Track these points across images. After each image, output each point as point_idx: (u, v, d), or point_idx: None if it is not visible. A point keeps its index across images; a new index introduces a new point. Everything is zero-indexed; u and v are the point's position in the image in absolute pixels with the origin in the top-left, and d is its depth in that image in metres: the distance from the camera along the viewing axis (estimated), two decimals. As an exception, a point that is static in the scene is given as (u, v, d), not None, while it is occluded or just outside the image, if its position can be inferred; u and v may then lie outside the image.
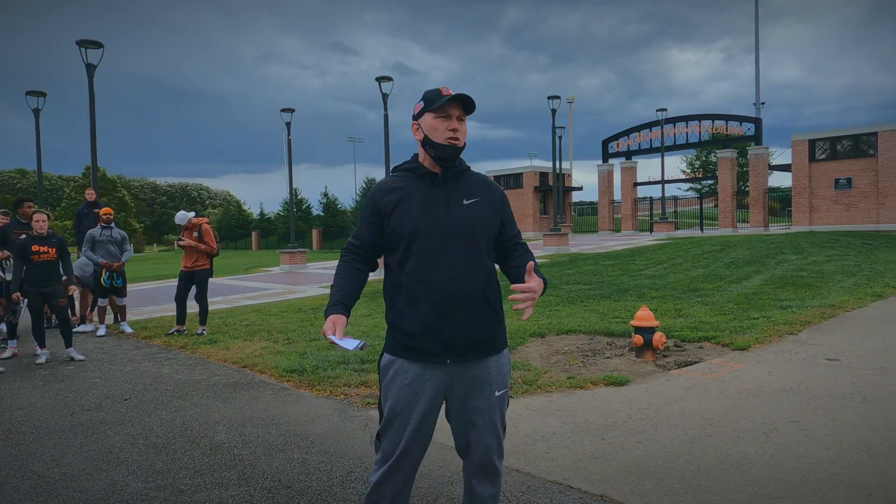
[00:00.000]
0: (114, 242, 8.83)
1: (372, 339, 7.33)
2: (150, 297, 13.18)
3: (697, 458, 3.57)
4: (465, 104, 2.30)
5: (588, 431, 4.10)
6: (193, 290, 8.64)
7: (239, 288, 15.14)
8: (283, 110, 20.20)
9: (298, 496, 3.20)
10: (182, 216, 8.68)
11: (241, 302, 12.17)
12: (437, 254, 2.24)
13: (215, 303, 11.92)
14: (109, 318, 9.45)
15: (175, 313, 8.78)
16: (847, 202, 22.37)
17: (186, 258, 8.68)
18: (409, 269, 2.25)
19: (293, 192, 20.44)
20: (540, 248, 21.93)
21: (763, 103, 33.28)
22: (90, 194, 10.23)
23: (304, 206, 60.21)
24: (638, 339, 6.10)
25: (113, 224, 8.96)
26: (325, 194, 58.48)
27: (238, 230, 63.72)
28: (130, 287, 13.11)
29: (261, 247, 55.77)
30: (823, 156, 23.15)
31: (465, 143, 2.32)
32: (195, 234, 8.65)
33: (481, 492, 2.40)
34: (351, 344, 2.11)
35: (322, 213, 58.44)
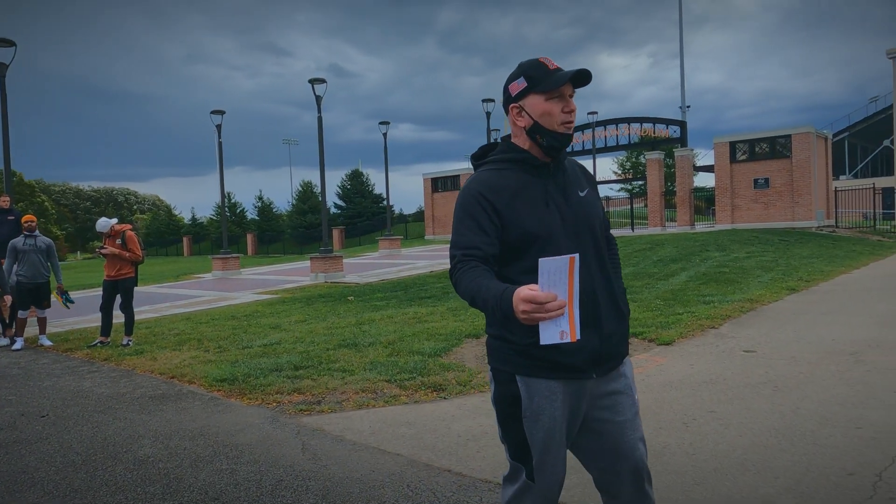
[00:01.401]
0: (38, 252, 8.39)
1: (307, 346, 7.25)
2: (73, 308, 12.56)
3: (622, 451, 3.70)
4: (581, 79, 1.91)
5: (519, 429, 4.18)
6: (118, 299, 8.32)
7: (168, 296, 14.65)
8: (213, 112, 19.69)
9: (226, 508, 3.14)
10: (104, 223, 8.35)
11: (171, 310, 11.79)
12: (581, 250, 1.90)
13: (142, 312, 11.50)
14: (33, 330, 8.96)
15: (99, 324, 8.42)
16: (765, 201, 23.58)
17: (109, 267, 8.36)
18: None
19: (225, 195, 19.92)
20: (477, 249, 22.14)
21: (688, 107, 34.76)
22: (4, 201, 9.71)
23: (238, 210, 58.76)
24: (568, 336, 6.26)
25: (37, 232, 8.52)
26: (260, 198, 57.26)
27: (168, 236, 61.61)
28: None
29: (193, 253, 54.05)
30: (743, 157, 24.34)
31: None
32: (118, 241, 8.33)
33: None
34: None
35: (257, 218, 57.18)
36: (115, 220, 8.45)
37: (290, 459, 3.79)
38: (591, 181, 2.09)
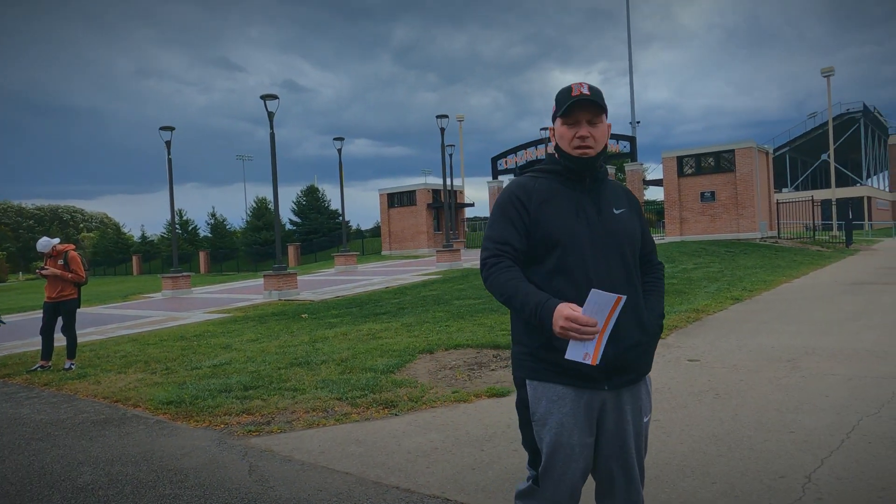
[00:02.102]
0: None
1: (258, 365, 7.14)
2: (12, 331, 12.09)
3: (568, 462, 3.77)
4: (584, 105, 2.03)
5: (468, 444, 4.21)
6: (60, 322, 8.05)
7: (114, 317, 14.22)
8: (162, 128, 19.31)
9: (167, 534, 3.08)
10: (44, 243, 8.10)
11: (117, 332, 11.44)
12: (595, 266, 2.00)
13: (87, 334, 11.14)
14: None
15: (40, 348, 8.12)
16: (712, 213, 24.36)
17: (51, 288, 8.09)
18: (561, 282, 1.98)
19: (174, 213, 19.52)
20: (433, 264, 22.21)
21: (638, 122, 35.72)
22: None
23: (190, 228, 57.53)
24: (520, 350, 6.34)
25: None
26: (213, 214, 56.21)
27: (117, 255, 59.84)
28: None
29: (143, 271, 52.59)
30: (690, 171, 25.12)
31: (602, 149, 2.09)
32: (60, 261, 8.08)
33: None
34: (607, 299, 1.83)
35: (210, 235, 56.06)
36: (56, 241, 8.20)
37: (236, 482, 3.73)
38: (632, 203, 2.19)
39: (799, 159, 61.61)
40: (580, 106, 2.04)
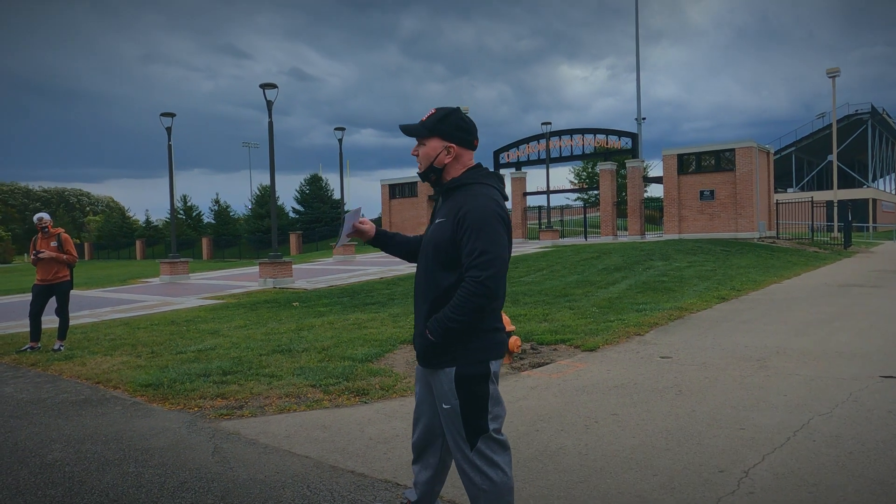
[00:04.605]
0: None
1: (241, 351, 7.27)
2: (10, 312, 12.28)
3: (520, 451, 3.88)
4: (406, 132, 2.57)
5: (429, 432, 4.32)
6: (53, 303, 8.19)
7: (111, 300, 14.40)
8: (162, 114, 19.43)
9: (123, 509, 3.21)
10: (40, 214, 8.31)
11: (111, 315, 11.61)
12: (419, 268, 2.57)
13: (81, 316, 11.31)
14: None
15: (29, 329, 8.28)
16: (711, 212, 24.36)
17: (45, 270, 8.22)
18: None
19: (178, 198, 19.67)
20: (431, 256, 22.29)
21: (644, 119, 35.58)
22: None
23: (194, 214, 57.78)
24: (495, 343, 6.45)
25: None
26: (217, 201, 56.41)
27: (121, 239, 60.18)
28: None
29: (146, 256, 52.90)
30: (690, 169, 25.10)
31: (428, 166, 2.51)
32: (53, 243, 8.22)
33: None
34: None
35: (213, 221, 56.30)
36: (45, 215, 8.36)
37: (198, 462, 3.86)
38: (457, 215, 2.38)
39: (805, 159, 61.33)
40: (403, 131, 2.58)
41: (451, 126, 2.47)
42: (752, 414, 4.42)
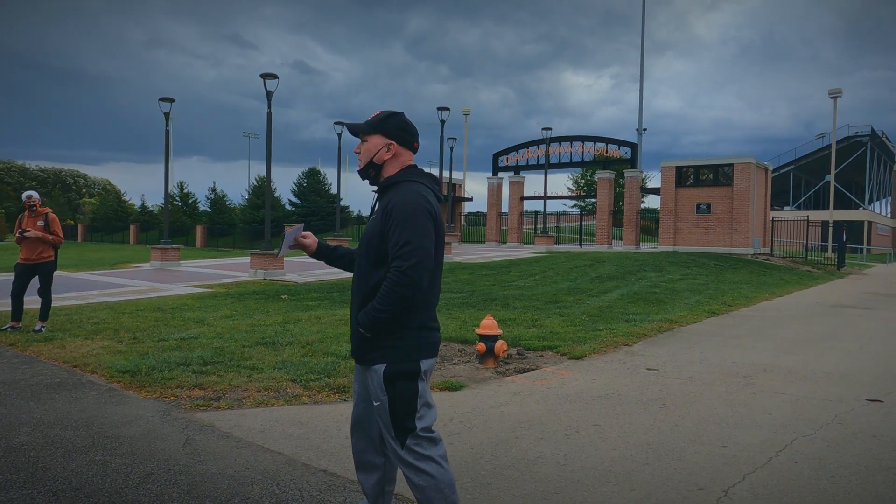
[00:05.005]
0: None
1: (224, 342, 7.18)
2: (-7, 290, 12.12)
3: (498, 458, 3.81)
4: (351, 130, 2.66)
5: (407, 433, 4.24)
6: (36, 283, 8.08)
7: (98, 284, 14.25)
8: (161, 99, 19.30)
9: (85, 498, 3.11)
10: (30, 192, 8.20)
11: (97, 298, 11.49)
12: (355, 266, 2.63)
13: (67, 298, 11.19)
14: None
15: (10, 308, 8.16)
16: (706, 226, 24.35)
17: (29, 249, 8.10)
18: None
19: (174, 185, 19.54)
20: (424, 255, 22.22)
21: (645, 129, 35.61)
22: None
23: (190, 201, 57.50)
24: (481, 346, 6.38)
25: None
26: (214, 189, 56.14)
27: (116, 222, 59.79)
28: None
29: (140, 241, 52.60)
30: (688, 182, 25.09)
31: (368, 161, 2.58)
32: (40, 222, 8.11)
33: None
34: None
35: (209, 210, 56.03)
36: (34, 193, 8.24)
37: (168, 453, 3.77)
38: (387, 210, 2.46)
39: (803, 178, 61.51)
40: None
41: (394, 125, 2.58)
42: (735, 431, 4.36)
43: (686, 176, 25.16)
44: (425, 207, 2.41)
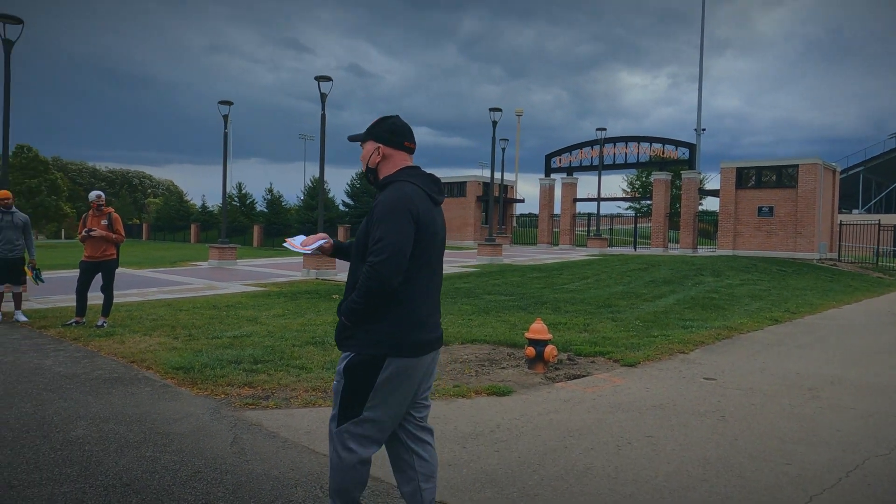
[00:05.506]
0: (13, 227, 8.48)
1: (275, 340, 7.27)
2: (60, 286, 12.68)
3: (546, 469, 3.69)
4: (350, 139, 2.84)
5: (453, 440, 4.17)
6: (99, 281, 8.38)
7: (159, 281, 14.74)
8: (220, 102, 19.83)
9: (134, 495, 3.16)
10: (96, 193, 8.54)
11: (157, 295, 11.86)
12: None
13: (128, 295, 11.59)
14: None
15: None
16: (768, 229, 23.42)
17: (93, 248, 8.41)
18: None
19: (232, 186, 20.08)
20: (474, 256, 22.15)
21: (703, 130, 34.60)
22: None
23: (248, 201, 59.02)
24: (530, 350, 6.25)
25: (13, 208, 8.61)
26: (270, 190, 57.46)
27: (178, 221, 61.92)
28: (47, 274, 12.59)
29: (200, 240, 54.33)
30: (749, 184, 24.19)
31: (364, 168, 2.74)
32: (104, 221, 8.41)
33: None
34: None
35: (266, 210, 57.39)
36: (101, 193, 8.56)
37: (215, 452, 3.80)
38: (372, 208, 2.57)
39: (874, 180, 58.55)
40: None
41: (383, 129, 2.69)
42: (800, 448, 4.11)
43: (747, 177, 24.27)
44: (406, 206, 2.47)
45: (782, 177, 23.46)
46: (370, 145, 2.70)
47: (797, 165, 23.01)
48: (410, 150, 2.72)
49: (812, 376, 6.25)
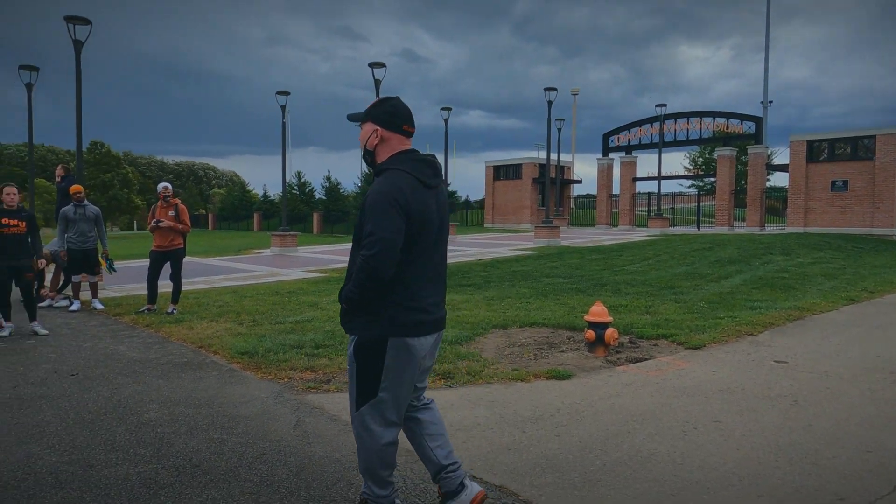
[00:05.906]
0: (86, 220, 8.89)
1: (336, 325, 7.39)
2: (131, 275, 13.26)
3: (608, 454, 3.61)
4: (350, 118, 2.82)
5: (512, 423, 4.15)
6: (168, 269, 8.72)
7: (224, 269, 15.23)
8: (278, 93, 20.22)
9: (203, 475, 3.27)
10: (164, 185, 8.87)
11: (223, 283, 12.26)
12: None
13: (196, 283, 12.02)
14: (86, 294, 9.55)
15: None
16: (842, 205, 22.25)
17: (162, 238, 8.74)
18: None
19: (291, 175, 20.51)
20: (531, 239, 21.95)
21: (771, 102, 33.02)
22: (60, 171, 10.33)
23: (307, 190, 60.23)
24: (590, 334, 6.13)
25: (86, 202, 9.02)
26: (328, 178, 58.46)
27: (241, 211, 63.84)
28: (120, 264, 13.21)
29: (262, 228, 55.90)
30: (821, 157, 23.01)
31: (363, 150, 2.72)
32: (171, 212, 8.72)
33: None
34: None
35: (324, 197, 58.46)
36: (168, 185, 8.88)
37: (279, 434, 3.89)
38: (363, 200, 2.60)
39: (960, 149, 54.74)
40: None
41: (382, 111, 2.67)
42: (882, 434, 3.88)
43: (819, 150, 23.08)
44: (395, 199, 2.48)
45: (858, 149, 22.20)
46: (368, 127, 2.69)
47: (874, 136, 21.71)
48: (409, 134, 2.70)
49: (894, 359, 5.90)
